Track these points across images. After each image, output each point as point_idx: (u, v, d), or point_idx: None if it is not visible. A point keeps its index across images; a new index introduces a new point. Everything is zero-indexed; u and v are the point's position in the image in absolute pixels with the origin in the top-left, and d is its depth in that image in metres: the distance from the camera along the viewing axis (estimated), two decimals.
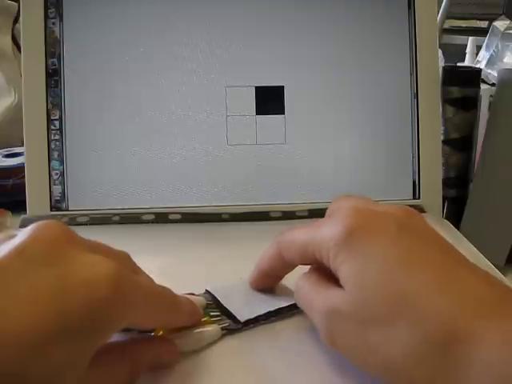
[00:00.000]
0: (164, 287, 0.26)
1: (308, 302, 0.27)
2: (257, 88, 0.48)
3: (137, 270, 0.27)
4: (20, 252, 0.21)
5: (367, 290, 0.24)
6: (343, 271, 0.25)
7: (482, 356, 0.21)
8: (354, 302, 0.24)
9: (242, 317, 0.30)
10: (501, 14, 1.25)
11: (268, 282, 0.32)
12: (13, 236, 0.22)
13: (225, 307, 0.31)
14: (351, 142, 0.49)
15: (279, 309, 0.31)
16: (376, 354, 0.24)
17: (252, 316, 0.30)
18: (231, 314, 0.30)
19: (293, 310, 0.31)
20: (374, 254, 0.24)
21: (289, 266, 0.31)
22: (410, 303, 0.23)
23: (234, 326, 0.29)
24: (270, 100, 0.48)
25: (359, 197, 0.30)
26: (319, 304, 0.26)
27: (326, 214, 0.30)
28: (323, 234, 0.27)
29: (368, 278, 0.24)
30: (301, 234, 0.28)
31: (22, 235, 0.22)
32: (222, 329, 0.29)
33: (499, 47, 1.07)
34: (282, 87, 0.48)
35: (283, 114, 0.48)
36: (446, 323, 0.22)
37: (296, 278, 0.30)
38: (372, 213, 0.27)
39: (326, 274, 0.27)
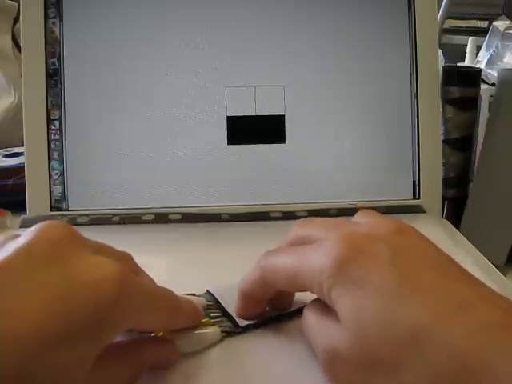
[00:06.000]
0: (165, 288, 0.26)
1: (312, 338, 0.26)
2: (257, 88, 0.48)
3: (138, 270, 0.27)
4: (25, 252, 0.21)
5: (367, 331, 0.22)
6: (340, 307, 0.24)
7: None
8: (354, 345, 0.23)
9: (242, 321, 0.30)
10: (501, 14, 1.25)
11: (257, 308, 0.30)
12: (17, 236, 0.22)
13: (225, 309, 0.30)
14: (351, 141, 0.49)
15: (279, 315, 0.30)
16: None
17: (252, 321, 0.30)
18: (231, 317, 0.30)
19: (293, 316, 0.30)
20: (369, 287, 0.23)
21: (273, 291, 0.29)
22: (413, 342, 0.21)
23: (234, 329, 0.29)
24: (269, 100, 0.48)
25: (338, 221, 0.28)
26: (321, 343, 0.25)
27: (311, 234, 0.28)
28: (312, 263, 0.25)
29: (366, 317, 0.22)
30: (286, 260, 0.27)
31: (27, 235, 0.22)
32: (222, 331, 0.29)
33: (499, 47, 1.07)
34: (282, 87, 0.48)
35: (283, 113, 0.48)
36: (456, 358, 0.20)
37: None
38: (362, 238, 0.25)
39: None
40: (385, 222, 0.27)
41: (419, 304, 0.22)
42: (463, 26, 1.66)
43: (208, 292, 0.32)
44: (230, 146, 0.48)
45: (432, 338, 0.21)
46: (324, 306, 0.26)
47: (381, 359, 0.22)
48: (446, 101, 0.53)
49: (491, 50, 1.08)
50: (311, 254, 0.26)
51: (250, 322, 0.30)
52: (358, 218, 0.29)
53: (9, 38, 0.77)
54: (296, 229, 0.29)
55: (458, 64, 1.08)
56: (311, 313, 0.27)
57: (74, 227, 0.24)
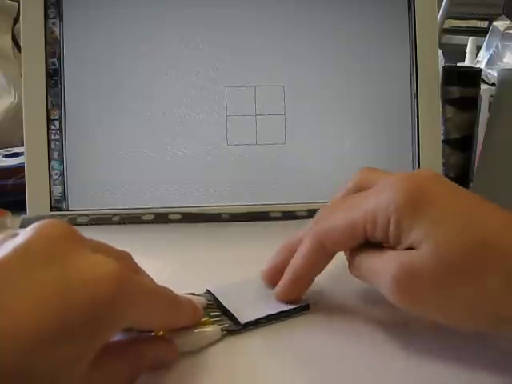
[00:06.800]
0: (165, 287, 0.26)
1: (370, 267, 0.27)
2: (257, 88, 0.48)
3: (138, 269, 0.27)
4: (23, 250, 0.21)
5: (448, 245, 0.24)
6: (414, 233, 0.25)
7: None
8: (434, 258, 0.24)
9: (243, 318, 0.30)
10: (501, 14, 1.25)
11: (302, 289, 0.31)
12: (15, 235, 0.22)
13: (225, 308, 0.31)
14: (351, 141, 0.49)
15: (280, 312, 0.30)
16: (461, 302, 0.24)
17: (252, 318, 0.30)
18: (232, 314, 0.30)
19: (293, 313, 0.31)
20: (443, 211, 0.25)
21: (329, 257, 0.30)
22: (493, 248, 0.24)
23: (234, 327, 0.29)
24: (270, 100, 0.48)
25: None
26: (388, 266, 0.26)
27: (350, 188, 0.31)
28: (375, 205, 0.27)
29: (446, 233, 0.25)
30: (341, 217, 0.28)
31: (25, 233, 0.22)
32: (222, 329, 0.29)
33: (499, 47, 1.07)
34: (282, 87, 0.48)
35: (283, 113, 0.48)
36: None
37: None
38: (416, 176, 0.27)
39: (377, 245, 0.28)
40: (421, 170, 0.31)
41: (492, 215, 0.26)
42: (463, 25, 1.67)
43: (208, 291, 0.32)
44: (230, 146, 0.48)
45: (504, 238, 0.24)
46: (372, 245, 0.27)
47: (462, 265, 0.24)
48: (446, 101, 0.53)
49: (491, 50, 1.08)
50: (369, 202, 0.27)
51: (251, 320, 0.30)
52: (365, 175, 0.31)
53: (9, 38, 0.77)
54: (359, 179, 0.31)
55: (458, 64, 1.08)
56: (362, 249, 0.28)
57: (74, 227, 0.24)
